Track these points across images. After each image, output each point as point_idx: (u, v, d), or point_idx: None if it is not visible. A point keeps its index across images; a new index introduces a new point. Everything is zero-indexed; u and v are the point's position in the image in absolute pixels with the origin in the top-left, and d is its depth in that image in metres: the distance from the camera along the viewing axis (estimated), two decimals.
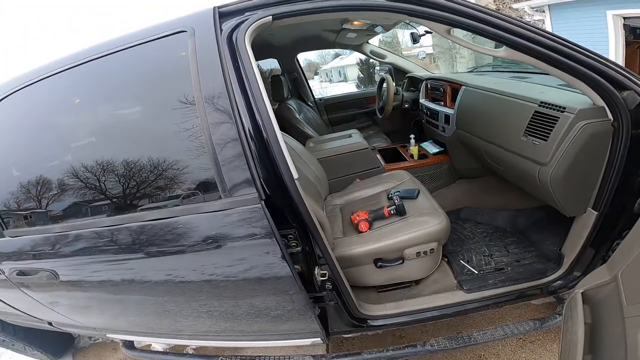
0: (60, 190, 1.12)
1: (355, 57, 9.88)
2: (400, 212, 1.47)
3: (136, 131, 1.08)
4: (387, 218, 1.48)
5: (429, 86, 2.40)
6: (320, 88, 10.20)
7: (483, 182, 2.11)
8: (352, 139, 2.27)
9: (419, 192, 1.62)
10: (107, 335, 1.58)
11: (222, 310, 1.20)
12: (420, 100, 2.48)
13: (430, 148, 2.30)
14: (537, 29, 0.97)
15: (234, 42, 0.96)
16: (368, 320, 1.27)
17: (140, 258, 1.09)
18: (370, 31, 2.60)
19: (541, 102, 1.23)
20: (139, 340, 1.59)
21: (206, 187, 0.98)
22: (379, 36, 3.16)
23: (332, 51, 11.90)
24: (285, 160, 0.95)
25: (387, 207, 1.49)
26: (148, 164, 1.01)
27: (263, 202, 0.92)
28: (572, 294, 0.77)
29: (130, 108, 1.11)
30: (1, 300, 1.43)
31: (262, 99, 0.94)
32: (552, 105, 1.17)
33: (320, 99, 3.32)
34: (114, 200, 1.07)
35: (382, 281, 1.42)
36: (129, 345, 1.60)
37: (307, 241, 1.08)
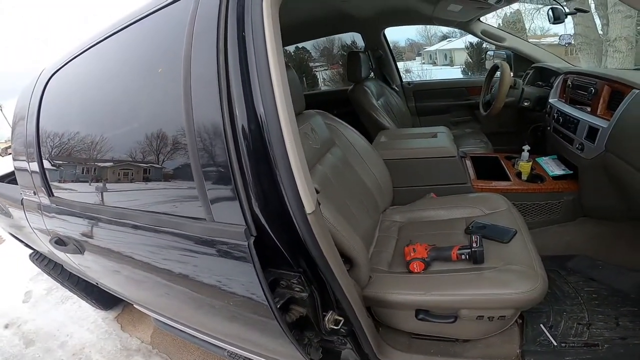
0: (90, 169, 1.03)
1: (466, 40, 8.60)
2: (476, 260, 1.03)
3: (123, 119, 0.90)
4: (453, 261, 1.07)
5: (569, 83, 1.64)
6: (422, 70, 9.26)
7: (619, 228, 1.47)
8: (438, 140, 1.76)
9: (515, 234, 1.12)
10: (135, 306, 1.58)
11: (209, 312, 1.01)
12: (550, 100, 1.75)
13: (552, 168, 1.64)
14: None
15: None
16: None
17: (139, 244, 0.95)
18: (482, 3, 1.93)
19: None
20: (155, 317, 1.53)
21: (189, 203, 0.73)
22: (496, 15, 2.41)
23: (439, 32, 10.65)
24: (295, 184, 0.62)
25: (458, 250, 1.06)
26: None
27: (252, 241, 0.62)
28: None
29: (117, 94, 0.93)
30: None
31: (272, 87, 0.60)
32: None
33: (408, 83, 2.76)
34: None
35: (420, 331, 1.08)
36: None
37: (319, 285, 0.77)
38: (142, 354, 1.77)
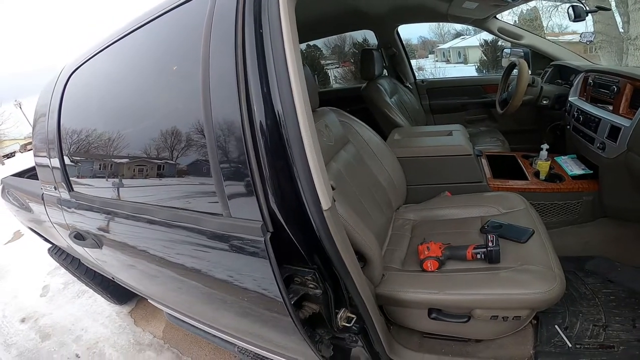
0: (109, 165, 1.05)
1: (480, 38, 8.46)
2: (492, 259, 1.01)
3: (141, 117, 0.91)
4: (468, 261, 1.05)
5: (590, 81, 1.60)
6: (435, 68, 9.14)
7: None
8: (453, 138, 1.73)
9: (533, 233, 1.10)
10: (149, 301, 1.60)
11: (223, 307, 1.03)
12: (570, 98, 1.70)
13: (571, 167, 1.60)
14: None
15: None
16: None
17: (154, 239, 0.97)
18: (499, 0, 1.89)
19: None
20: (168, 312, 1.55)
21: (206, 199, 0.73)
22: (512, 13, 2.35)
23: (452, 30, 10.50)
24: (312, 180, 0.62)
25: (474, 249, 1.04)
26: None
27: (268, 237, 0.62)
28: None
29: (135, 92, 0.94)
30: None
31: (290, 83, 0.60)
32: None
33: (422, 81, 2.71)
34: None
35: (432, 330, 1.08)
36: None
37: (332, 282, 0.77)
38: (154, 348, 1.80)
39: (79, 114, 1.19)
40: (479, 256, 1.04)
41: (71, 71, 1.21)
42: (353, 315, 0.85)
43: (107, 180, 1.05)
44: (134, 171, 0.93)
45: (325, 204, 0.65)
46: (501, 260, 1.03)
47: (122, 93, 1.01)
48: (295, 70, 0.61)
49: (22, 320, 2.24)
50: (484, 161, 1.73)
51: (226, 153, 0.65)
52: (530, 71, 1.95)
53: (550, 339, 1.07)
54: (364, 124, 1.52)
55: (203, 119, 0.67)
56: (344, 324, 0.84)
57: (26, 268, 2.90)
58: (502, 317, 0.97)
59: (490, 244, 1.02)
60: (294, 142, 0.62)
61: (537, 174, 1.60)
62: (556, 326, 1.10)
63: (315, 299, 0.77)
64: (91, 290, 2.19)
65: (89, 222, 1.18)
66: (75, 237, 1.25)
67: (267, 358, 1.22)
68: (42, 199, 1.43)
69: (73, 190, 1.22)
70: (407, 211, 1.46)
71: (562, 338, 1.07)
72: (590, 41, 2.06)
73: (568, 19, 1.74)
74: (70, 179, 1.22)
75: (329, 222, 0.66)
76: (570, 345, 1.04)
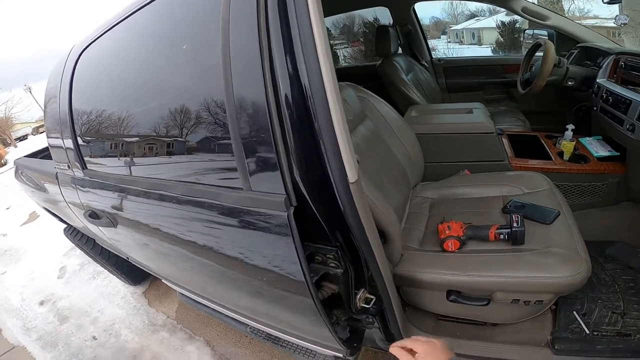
0: (124, 141, 1.02)
1: (497, 19, 8.13)
2: (516, 240, 0.97)
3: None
4: (490, 242, 1.01)
5: (622, 63, 1.54)
6: (447, 49, 8.93)
7: None
8: (473, 115, 1.67)
9: (558, 215, 1.04)
10: (163, 280, 1.61)
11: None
12: (598, 80, 1.62)
13: (596, 149, 1.53)
14: None
15: None
16: None
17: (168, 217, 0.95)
18: None
19: None
20: (181, 291, 1.57)
21: (225, 174, 0.72)
22: None
23: (466, 10, 10.11)
24: (339, 152, 0.60)
25: (497, 229, 1.00)
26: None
27: (291, 211, 0.60)
28: None
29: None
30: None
31: (317, 55, 0.57)
32: None
33: (439, 60, 2.64)
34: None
35: (449, 313, 1.05)
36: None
37: (354, 262, 0.75)
38: (168, 329, 1.82)
39: (91, 92, 1.17)
40: (502, 237, 1.00)
41: (81, 50, 1.17)
42: (372, 296, 0.83)
43: (120, 157, 1.03)
44: (148, 148, 0.91)
45: (352, 176, 0.62)
46: (525, 241, 0.99)
47: (135, 71, 0.97)
48: (322, 43, 0.58)
49: (41, 303, 2.28)
50: (505, 140, 1.67)
51: (249, 126, 0.62)
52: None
53: (568, 324, 1.04)
54: (381, 99, 1.47)
55: (224, 93, 0.64)
56: (363, 305, 0.82)
57: (43, 249, 2.95)
58: (524, 301, 0.94)
59: (515, 224, 0.98)
60: (321, 113, 0.59)
61: (560, 154, 1.54)
62: (574, 312, 1.06)
63: (335, 278, 0.75)
64: (106, 272, 2.22)
65: (103, 200, 1.17)
66: (90, 215, 1.25)
67: (280, 338, 1.22)
68: (57, 179, 1.43)
69: (87, 168, 1.20)
70: (425, 189, 1.42)
71: (580, 324, 1.04)
72: (625, 24, 1.97)
73: (602, 1, 1.66)
74: (84, 157, 1.21)
75: (354, 196, 0.64)
76: (587, 332, 1.01)
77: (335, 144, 0.60)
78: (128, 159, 1.00)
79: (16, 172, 2.03)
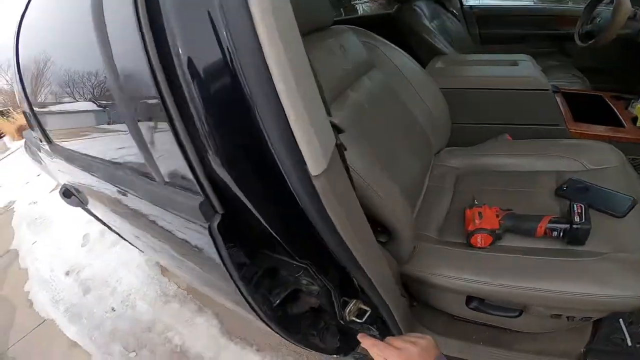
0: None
1: None
2: (575, 240, 0.70)
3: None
4: (536, 238, 0.74)
5: None
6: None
7: None
8: (519, 68, 1.32)
9: (634, 204, 0.76)
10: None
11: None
12: None
13: None
14: None
15: None
16: None
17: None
18: None
19: None
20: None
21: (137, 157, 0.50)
22: None
23: None
24: (291, 136, 0.36)
25: (550, 222, 0.72)
26: None
27: (216, 223, 0.39)
28: None
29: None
30: None
31: None
32: None
33: (470, 7, 2.21)
34: None
35: (466, 316, 0.88)
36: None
37: (337, 272, 0.54)
38: (178, 299, 1.81)
39: (31, 66, 1.01)
40: (555, 234, 0.72)
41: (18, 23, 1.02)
42: (367, 308, 0.63)
43: (67, 131, 0.86)
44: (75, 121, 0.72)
45: (315, 167, 0.38)
46: (586, 242, 0.72)
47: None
48: None
49: (67, 274, 2.35)
50: (560, 99, 1.32)
51: (135, 101, 0.40)
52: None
53: (609, 335, 0.84)
54: (396, 47, 1.16)
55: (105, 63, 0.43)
56: (354, 318, 0.63)
57: (68, 216, 3.02)
58: (567, 317, 0.72)
59: (576, 217, 0.69)
60: (252, 74, 0.34)
61: (634, 120, 1.18)
62: (620, 320, 0.84)
63: (312, 294, 0.55)
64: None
65: (69, 177, 1.03)
66: (64, 194, 1.13)
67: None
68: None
69: (52, 143, 1.07)
70: (451, 156, 1.16)
71: (625, 336, 0.83)
72: None
73: None
74: (47, 130, 1.07)
75: (323, 196, 0.40)
76: (630, 344, 0.80)
77: (283, 123, 0.35)
78: (70, 131, 0.83)
79: (25, 144, 2.02)
